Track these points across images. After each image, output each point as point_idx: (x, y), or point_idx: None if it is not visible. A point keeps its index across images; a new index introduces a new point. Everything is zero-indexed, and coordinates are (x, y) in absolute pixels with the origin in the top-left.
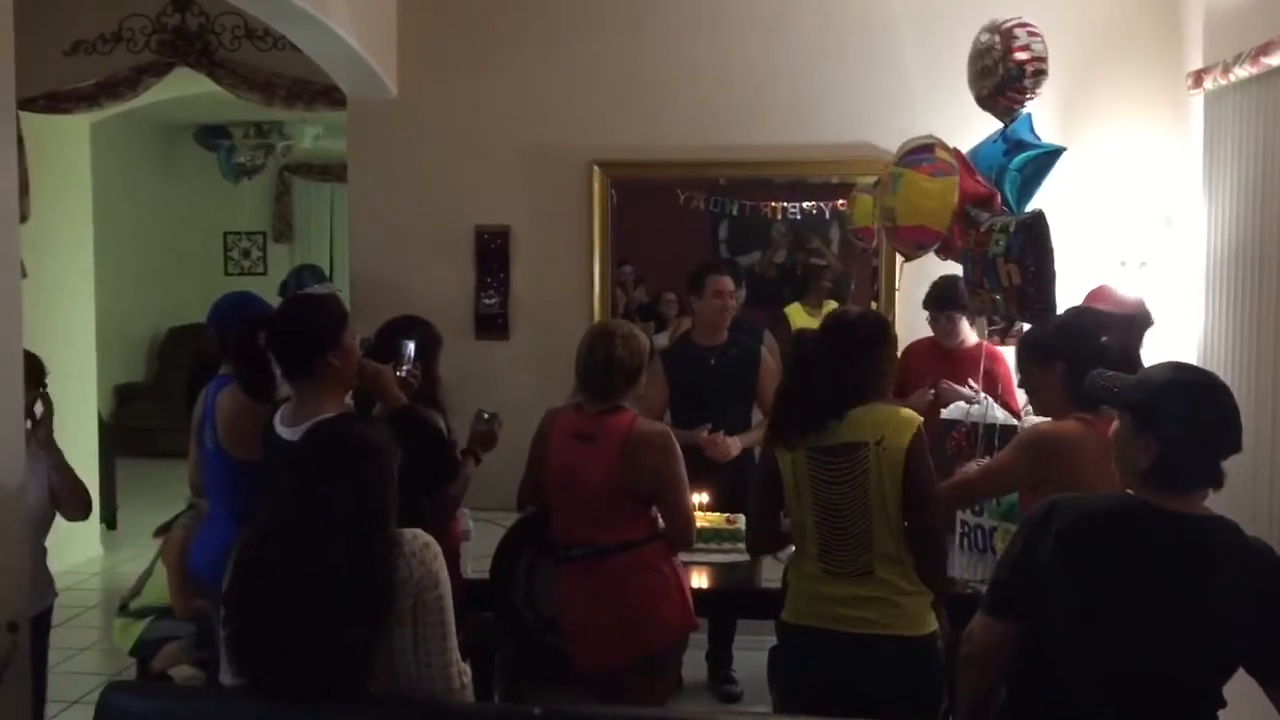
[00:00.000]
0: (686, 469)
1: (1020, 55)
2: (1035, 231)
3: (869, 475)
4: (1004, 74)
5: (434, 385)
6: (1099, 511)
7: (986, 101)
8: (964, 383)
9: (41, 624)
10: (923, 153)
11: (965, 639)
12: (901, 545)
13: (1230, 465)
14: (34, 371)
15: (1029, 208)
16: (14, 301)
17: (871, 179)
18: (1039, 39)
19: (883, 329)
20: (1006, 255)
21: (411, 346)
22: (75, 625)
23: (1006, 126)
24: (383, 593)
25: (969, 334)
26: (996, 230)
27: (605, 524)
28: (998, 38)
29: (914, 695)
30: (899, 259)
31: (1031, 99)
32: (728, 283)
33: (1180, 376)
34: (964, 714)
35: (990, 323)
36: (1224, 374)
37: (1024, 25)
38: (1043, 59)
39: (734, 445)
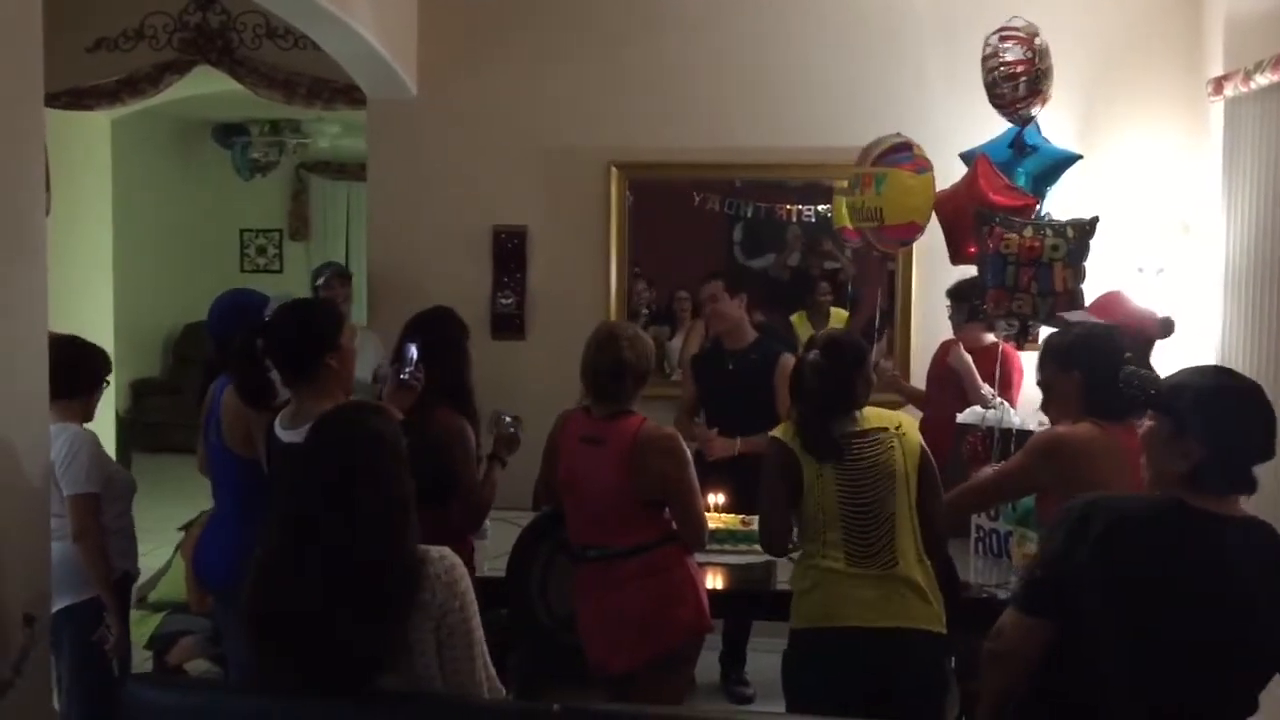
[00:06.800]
0: (699, 471)
1: (1009, 58)
2: (1090, 236)
3: (893, 453)
4: (995, 78)
5: (465, 390)
6: (1138, 513)
7: (995, 104)
8: (984, 380)
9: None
10: (902, 151)
11: (994, 635)
12: (922, 548)
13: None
14: (103, 366)
15: (1041, 212)
16: (41, 293)
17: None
18: (1027, 46)
19: (864, 349)
20: (1065, 260)
21: (414, 349)
22: None
23: (1022, 130)
24: (404, 584)
25: (988, 333)
26: (1049, 235)
27: (615, 527)
28: (993, 40)
29: (936, 692)
30: (915, 261)
31: (1028, 103)
32: (712, 287)
33: (1226, 382)
34: (988, 709)
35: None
36: None
37: (1015, 30)
38: (1032, 64)
39: (727, 446)
